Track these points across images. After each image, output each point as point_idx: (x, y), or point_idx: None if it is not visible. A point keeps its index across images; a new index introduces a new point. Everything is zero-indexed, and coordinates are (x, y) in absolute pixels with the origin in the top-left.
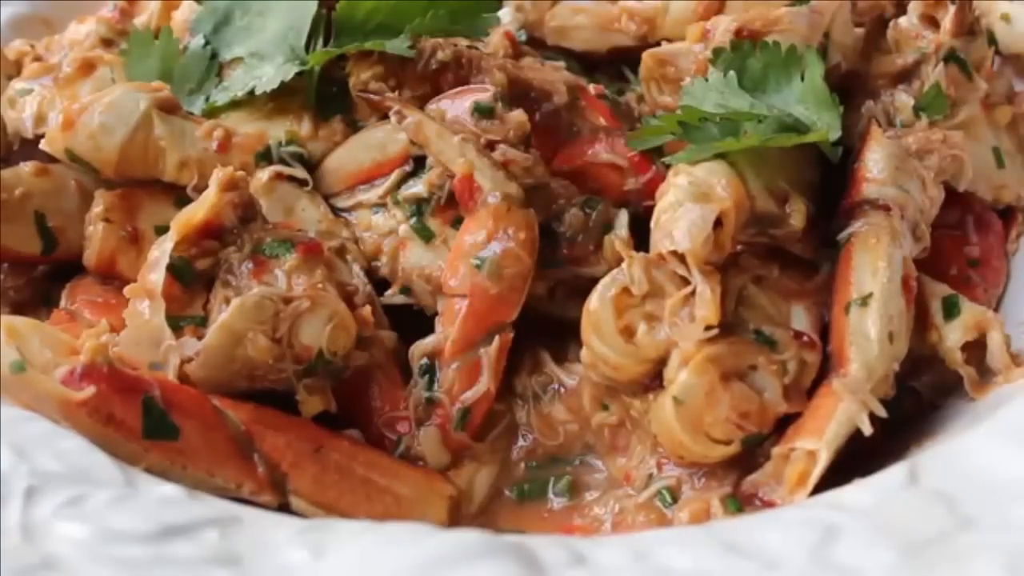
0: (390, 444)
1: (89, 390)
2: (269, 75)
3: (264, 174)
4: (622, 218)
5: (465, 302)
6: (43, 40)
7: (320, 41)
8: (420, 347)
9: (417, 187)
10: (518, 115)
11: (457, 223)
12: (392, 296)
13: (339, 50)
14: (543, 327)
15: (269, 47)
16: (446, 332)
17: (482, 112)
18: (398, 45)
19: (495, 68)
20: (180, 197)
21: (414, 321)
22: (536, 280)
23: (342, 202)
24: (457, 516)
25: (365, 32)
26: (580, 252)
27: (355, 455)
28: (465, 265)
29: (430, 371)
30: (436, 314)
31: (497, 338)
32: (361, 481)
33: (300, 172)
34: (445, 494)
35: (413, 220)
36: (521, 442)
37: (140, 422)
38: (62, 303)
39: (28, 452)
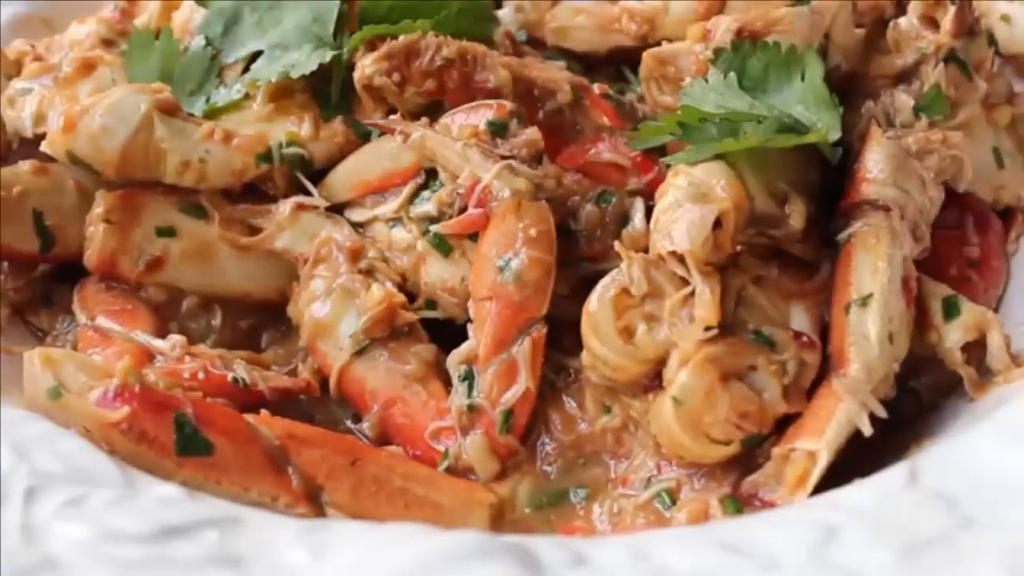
0: (437, 458)
1: (123, 410)
2: (300, 60)
3: (285, 207)
4: (638, 209)
5: (493, 304)
6: (43, 40)
7: (346, 34)
8: (457, 355)
9: (427, 205)
10: (531, 133)
11: (472, 238)
12: (419, 311)
13: (378, 29)
14: (566, 329)
15: (292, 37)
16: (479, 337)
17: (495, 129)
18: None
19: (499, 65)
20: (181, 198)
21: (455, 331)
22: (559, 281)
23: (357, 216)
24: (500, 524)
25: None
26: (599, 248)
27: (393, 467)
28: (489, 269)
29: (469, 378)
30: (469, 321)
31: (530, 336)
32: (399, 492)
33: (319, 201)
34: (486, 502)
35: (429, 235)
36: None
37: (173, 439)
38: (80, 319)
39: (28, 452)
